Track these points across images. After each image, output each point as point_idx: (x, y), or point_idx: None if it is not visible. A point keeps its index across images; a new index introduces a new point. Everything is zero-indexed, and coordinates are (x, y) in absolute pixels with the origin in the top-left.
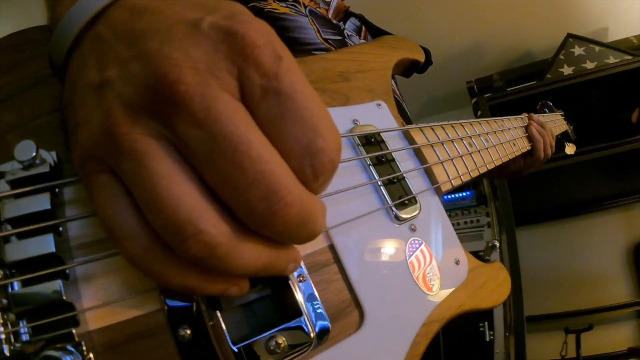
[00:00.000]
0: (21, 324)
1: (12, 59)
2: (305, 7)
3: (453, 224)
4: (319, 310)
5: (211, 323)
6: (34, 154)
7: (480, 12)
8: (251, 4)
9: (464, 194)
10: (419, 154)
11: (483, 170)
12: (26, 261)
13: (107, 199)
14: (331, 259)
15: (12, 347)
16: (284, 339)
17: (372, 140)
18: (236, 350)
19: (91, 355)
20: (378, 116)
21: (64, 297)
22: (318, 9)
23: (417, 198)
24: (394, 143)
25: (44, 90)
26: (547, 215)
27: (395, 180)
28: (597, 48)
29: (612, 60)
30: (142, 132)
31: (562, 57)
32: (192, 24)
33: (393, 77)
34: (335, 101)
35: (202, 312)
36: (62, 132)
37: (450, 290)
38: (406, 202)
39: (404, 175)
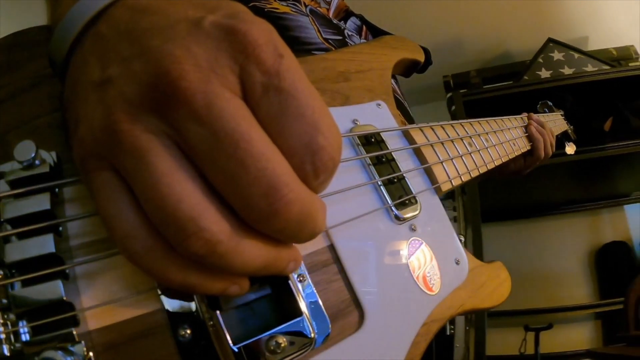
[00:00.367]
0: (21, 324)
1: (12, 59)
2: (306, 6)
3: None
4: (319, 310)
5: (211, 323)
6: (34, 154)
7: (463, 8)
8: (252, 4)
9: None
10: (418, 154)
11: (483, 170)
12: (26, 261)
13: (108, 197)
14: (331, 259)
15: (12, 347)
16: (284, 338)
17: (372, 140)
18: (236, 350)
19: (91, 354)
20: (378, 116)
21: (64, 297)
22: (319, 8)
23: (417, 198)
24: (394, 143)
25: (44, 90)
26: (513, 213)
27: (395, 180)
28: (576, 55)
29: (590, 68)
30: (144, 129)
31: (540, 60)
32: (193, 23)
33: (394, 77)
34: (335, 101)
35: (202, 312)
36: (62, 132)
37: (451, 290)
38: (406, 202)
39: (404, 175)
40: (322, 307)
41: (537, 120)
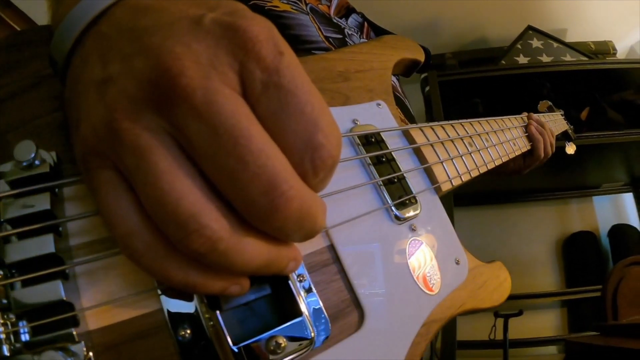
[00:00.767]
0: (21, 324)
1: (12, 59)
2: (307, 4)
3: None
4: (318, 311)
5: (211, 323)
6: (34, 154)
7: None
8: (252, 2)
9: None
10: (418, 154)
11: (483, 169)
12: (26, 261)
13: (109, 195)
14: (331, 259)
15: (12, 347)
16: (284, 339)
17: (372, 139)
18: (236, 350)
19: (91, 355)
20: (378, 116)
21: (64, 297)
22: (319, 6)
23: (417, 198)
24: (394, 142)
25: (44, 91)
26: (485, 199)
27: (395, 180)
28: (555, 44)
29: (568, 58)
30: (145, 127)
31: (519, 46)
32: (194, 20)
33: (395, 75)
34: (335, 101)
35: (202, 312)
36: (62, 132)
37: (451, 290)
38: (406, 201)
39: (404, 174)
40: (322, 307)
41: (537, 120)
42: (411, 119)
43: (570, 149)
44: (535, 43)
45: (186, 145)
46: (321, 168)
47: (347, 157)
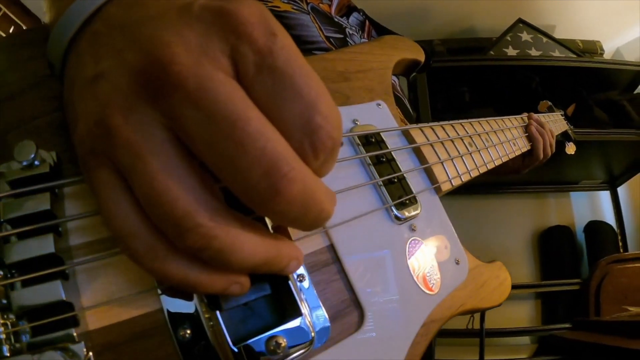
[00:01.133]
0: (21, 324)
1: (12, 59)
2: (308, 3)
3: None
4: (318, 310)
5: (211, 323)
6: (34, 154)
7: None
8: None
9: None
10: (418, 154)
11: (483, 169)
12: (26, 261)
13: (109, 195)
14: (331, 259)
15: (12, 348)
16: (284, 339)
17: (372, 139)
18: (236, 350)
19: (91, 355)
20: (378, 116)
21: (64, 298)
22: (320, 5)
23: (417, 197)
24: (394, 142)
25: (44, 91)
26: (462, 189)
27: (395, 180)
28: (544, 39)
29: (557, 54)
30: (139, 121)
31: (508, 38)
32: (183, 8)
33: (394, 75)
34: (335, 101)
35: (202, 312)
36: (62, 132)
37: (451, 290)
38: (406, 201)
39: (404, 174)
40: (322, 307)
41: (537, 120)
42: (409, 118)
43: (571, 149)
44: (525, 36)
45: (182, 135)
46: (321, 150)
47: (347, 157)
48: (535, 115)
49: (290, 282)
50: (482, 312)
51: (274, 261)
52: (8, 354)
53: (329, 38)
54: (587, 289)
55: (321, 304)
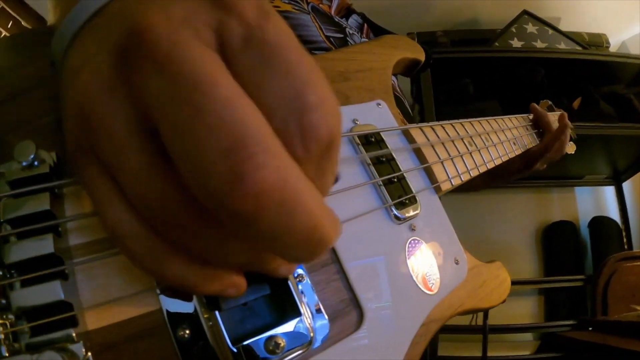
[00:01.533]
0: (20, 324)
1: (12, 60)
2: (308, 3)
3: None
4: (318, 310)
5: (210, 323)
6: (34, 154)
7: None
8: None
9: None
10: (418, 153)
11: (483, 169)
12: (25, 262)
13: (101, 196)
14: (330, 259)
15: (10, 348)
16: (283, 339)
17: (372, 139)
18: (235, 350)
19: (90, 355)
20: (378, 115)
21: (63, 298)
22: (321, 5)
23: (416, 197)
24: (394, 142)
25: (44, 91)
26: (464, 184)
27: (395, 180)
28: (550, 31)
29: (563, 46)
30: (118, 107)
31: (513, 30)
32: None
33: (394, 75)
34: None
35: (201, 312)
36: (62, 133)
37: (450, 289)
38: (406, 201)
39: (404, 174)
40: (321, 307)
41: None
42: (408, 118)
43: (571, 149)
44: (530, 28)
45: (151, 116)
46: (313, 138)
47: (347, 157)
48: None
49: (289, 282)
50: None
51: (263, 260)
52: (7, 354)
53: (329, 38)
54: (594, 286)
55: (320, 304)
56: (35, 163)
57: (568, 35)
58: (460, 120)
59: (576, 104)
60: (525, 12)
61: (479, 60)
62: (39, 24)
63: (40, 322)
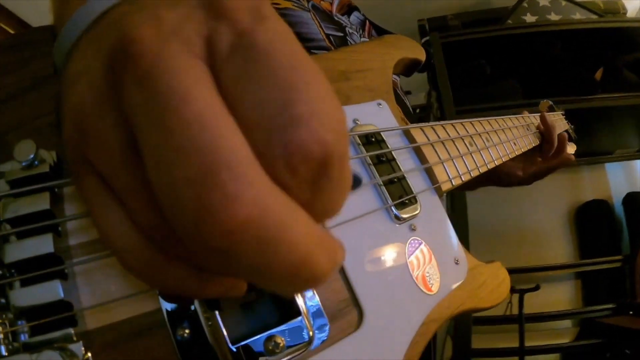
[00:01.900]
0: (20, 324)
1: (12, 60)
2: (309, 1)
3: None
4: (317, 310)
5: (210, 323)
6: (34, 154)
7: None
8: None
9: None
10: (419, 153)
11: (484, 169)
12: (25, 261)
13: (98, 208)
14: None
15: (10, 347)
16: (282, 338)
17: (373, 139)
18: (235, 350)
19: (89, 354)
20: (378, 115)
21: (63, 297)
22: (321, 3)
23: (417, 197)
24: (395, 142)
25: (44, 91)
26: None
27: (395, 180)
28: (563, 2)
29: (578, 16)
30: (114, 120)
31: (525, 4)
32: None
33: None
34: None
35: (201, 312)
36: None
37: (450, 290)
38: (406, 201)
39: (404, 174)
40: (321, 306)
41: (552, 123)
42: (410, 116)
43: (571, 148)
44: (543, 1)
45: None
46: (300, 159)
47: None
48: (548, 116)
49: None
50: (521, 296)
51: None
52: (6, 354)
53: (329, 36)
54: (632, 267)
55: (320, 304)
56: (36, 162)
57: (582, 5)
58: (461, 120)
59: (598, 75)
60: None
61: (493, 40)
62: (21, 29)
63: (40, 322)
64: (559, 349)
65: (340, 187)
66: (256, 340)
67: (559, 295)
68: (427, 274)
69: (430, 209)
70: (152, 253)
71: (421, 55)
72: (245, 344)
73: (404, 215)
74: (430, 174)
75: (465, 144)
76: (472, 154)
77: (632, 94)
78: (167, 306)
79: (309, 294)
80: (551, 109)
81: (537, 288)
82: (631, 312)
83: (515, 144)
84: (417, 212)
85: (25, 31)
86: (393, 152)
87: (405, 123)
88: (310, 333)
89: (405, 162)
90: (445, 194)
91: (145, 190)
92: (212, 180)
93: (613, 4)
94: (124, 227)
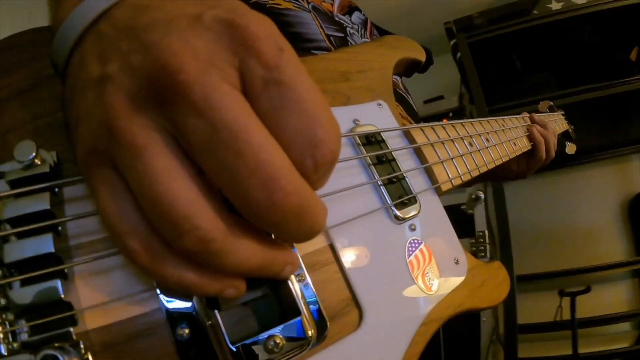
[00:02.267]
0: (19, 324)
1: (12, 60)
2: (309, 2)
3: None
4: (317, 310)
5: (210, 322)
6: (34, 154)
7: None
8: (253, 1)
9: None
10: (419, 154)
11: (484, 169)
12: (25, 261)
13: (108, 194)
14: (330, 259)
15: (10, 347)
16: (282, 338)
17: (373, 139)
18: (234, 349)
19: (89, 354)
20: (379, 116)
21: (62, 297)
22: (322, 4)
23: (417, 197)
24: (395, 142)
25: (44, 91)
26: None
27: (395, 180)
28: None
29: None
30: (142, 125)
31: None
32: (193, 17)
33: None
34: (336, 101)
35: (200, 312)
36: (62, 132)
37: (450, 289)
38: (406, 201)
39: (404, 174)
40: (321, 306)
41: (539, 121)
42: (413, 115)
43: (571, 149)
44: None
45: (184, 143)
46: (321, 164)
47: (347, 157)
48: (537, 116)
49: (289, 281)
50: (573, 299)
51: (268, 266)
52: (6, 353)
53: (330, 37)
54: None
55: (320, 303)
56: (36, 162)
57: None
58: (461, 121)
59: (633, 55)
60: None
61: (520, 33)
62: None
63: (40, 322)
64: (618, 354)
65: (329, 176)
66: (256, 340)
67: (615, 296)
68: (427, 274)
69: (430, 209)
70: (155, 238)
71: (421, 56)
72: (245, 344)
73: (404, 215)
74: (430, 174)
75: (466, 144)
76: (472, 154)
77: None
78: (167, 306)
79: (309, 293)
80: (551, 109)
81: (587, 290)
82: None
83: (515, 144)
84: (417, 212)
85: (26, 31)
86: (393, 153)
87: (406, 123)
88: (310, 333)
89: (405, 162)
90: (482, 201)
91: (170, 178)
92: (277, 185)
93: None
94: (130, 211)
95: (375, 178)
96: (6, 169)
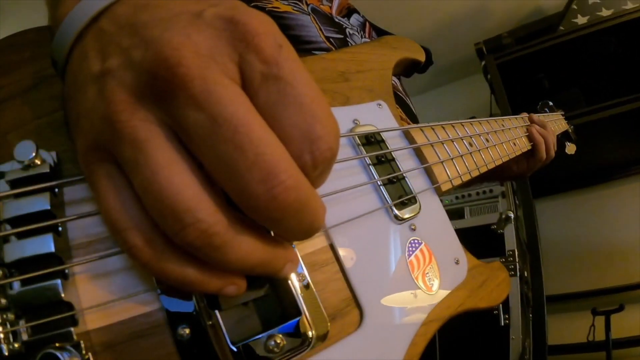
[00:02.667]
0: (20, 324)
1: (12, 60)
2: (308, 5)
3: (464, 195)
4: (318, 310)
5: (210, 322)
6: (34, 154)
7: None
8: (253, 4)
9: None
10: (419, 154)
11: (483, 170)
12: (25, 261)
13: (109, 189)
14: (331, 258)
15: (10, 347)
16: (283, 338)
17: (372, 140)
18: (235, 349)
19: (90, 354)
20: (378, 116)
21: (63, 297)
22: (321, 6)
23: (417, 198)
24: (394, 143)
25: (44, 91)
26: (566, 183)
27: (395, 180)
28: None
29: (630, 6)
30: (143, 119)
31: (574, 6)
32: (195, 14)
33: (396, 76)
34: (335, 101)
35: (201, 312)
36: (62, 132)
37: (450, 289)
38: (406, 201)
39: (404, 174)
40: (322, 306)
41: (538, 121)
42: (413, 117)
43: (571, 149)
44: None
45: (184, 137)
46: (320, 161)
47: (347, 157)
48: (536, 116)
49: (289, 281)
50: (607, 319)
51: (269, 263)
52: (6, 354)
53: (329, 38)
54: None
55: (320, 303)
56: (36, 162)
57: None
58: (461, 121)
59: None
60: None
61: (547, 51)
62: None
63: (40, 322)
64: None
65: (328, 173)
66: (256, 340)
67: None
68: (427, 274)
69: (430, 209)
70: (156, 233)
71: (420, 56)
72: (246, 344)
73: (404, 215)
74: (430, 174)
75: (465, 145)
76: (472, 155)
77: None
78: (167, 306)
79: (309, 293)
80: (551, 110)
81: (621, 308)
82: None
83: (515, 144)
84: (417, 212)
85: (26, 31)
86: (393, 153)
87: (405, 124)
88: (311, 333)
89: (405, 162)
90: (512, 221)
91: (172, 172)
92: (277, 179)
93: None
94: (131, 206)
95: (375, 178)
96: (6, 169)
